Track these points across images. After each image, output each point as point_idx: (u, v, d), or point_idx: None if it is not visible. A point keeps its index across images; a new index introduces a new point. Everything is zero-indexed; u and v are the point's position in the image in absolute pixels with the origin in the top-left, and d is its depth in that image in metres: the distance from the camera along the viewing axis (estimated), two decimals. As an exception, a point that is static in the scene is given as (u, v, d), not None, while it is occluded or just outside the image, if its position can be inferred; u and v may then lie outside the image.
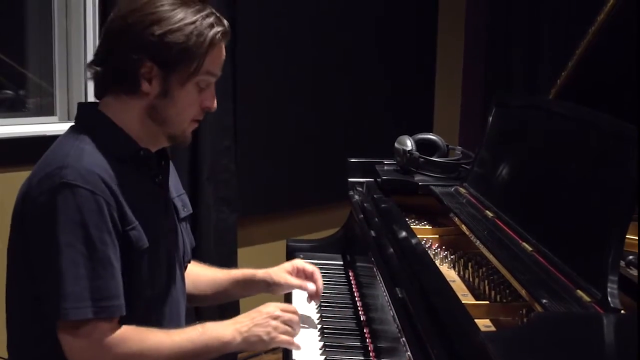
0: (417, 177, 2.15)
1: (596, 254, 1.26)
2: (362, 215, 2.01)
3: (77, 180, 1.39)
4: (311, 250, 2.25)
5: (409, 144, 2.18)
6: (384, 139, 2.39)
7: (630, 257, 1.40)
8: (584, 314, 1.21)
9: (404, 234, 1.73)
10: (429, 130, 2.59)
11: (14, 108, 2.94)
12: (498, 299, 1.51)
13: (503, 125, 1.97)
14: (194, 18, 1.47)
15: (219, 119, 3.08)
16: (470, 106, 4.28)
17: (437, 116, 4.27)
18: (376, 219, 1.90)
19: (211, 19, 1.49)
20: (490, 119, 2.01)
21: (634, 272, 1.39)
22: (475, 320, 1.28)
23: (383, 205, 1.98)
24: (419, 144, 2.21)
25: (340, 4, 3.67)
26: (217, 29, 1.49)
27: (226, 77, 3.07)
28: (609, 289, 1.20)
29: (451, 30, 4.27)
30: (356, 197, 2.20)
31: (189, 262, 1.74)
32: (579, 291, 1.26)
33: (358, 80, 3.81)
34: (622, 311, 1.19)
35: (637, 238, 1.51)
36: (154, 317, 1.53)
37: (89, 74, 1.55)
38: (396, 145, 2.21)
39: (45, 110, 2.89)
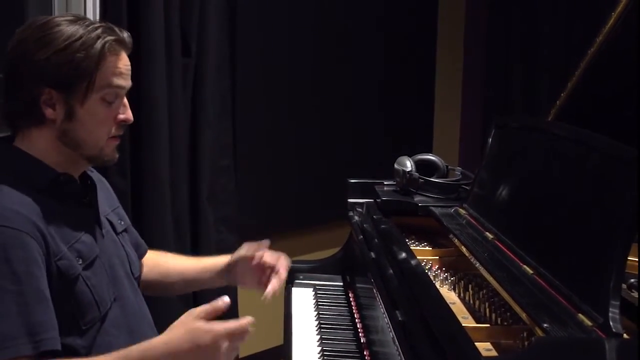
0: (417, 198, 2.14)
1: (597, 277, 1.26)
2: (361, 236, 2.00)
3: None
4: (311, 271, 2.24)
5: (408, 164, 2.17)
6: (384, 160, 2.38)
7: (632, 280, 1.39)
8: (585, 338, 1.20)
9: (403, 255, 1.72)
10: (429, 151, 2.58)
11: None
12: (499, 321, 1.49)
13: (503, 146, 1.96)
14: (81, 33, 1.42)
15: (218, 138, 3.08)
16: (470, 127, 4.29)
17: (437, 137, 4.27)
18: (376, 240, 1.89)
19: (99, 31, 1.43)
20: (490, 140, 2.00)
21: (636, 295, 1.38)
22: (476, 343, 1.27)
23: (383, 226, 1.97)
24: (419, 164, 2.21)
25: (342, 24, 3.69)
26: (106, 38, 1.43)
27: (225, 94, 3.07)
28: (610, 313, 1.19)
29: (450, 50, 4.29)
30: (356, 217, 2.19)
31: (140, 271, 1.72)
32: (580, 315, 1.25)
33: (358, 100, 3.81)
34: (625, 336, 1.18)
35: (639, 260, 1.50)
36: (114, 333, 1.48)
37: None
38: (396, 166, 2.20)
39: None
